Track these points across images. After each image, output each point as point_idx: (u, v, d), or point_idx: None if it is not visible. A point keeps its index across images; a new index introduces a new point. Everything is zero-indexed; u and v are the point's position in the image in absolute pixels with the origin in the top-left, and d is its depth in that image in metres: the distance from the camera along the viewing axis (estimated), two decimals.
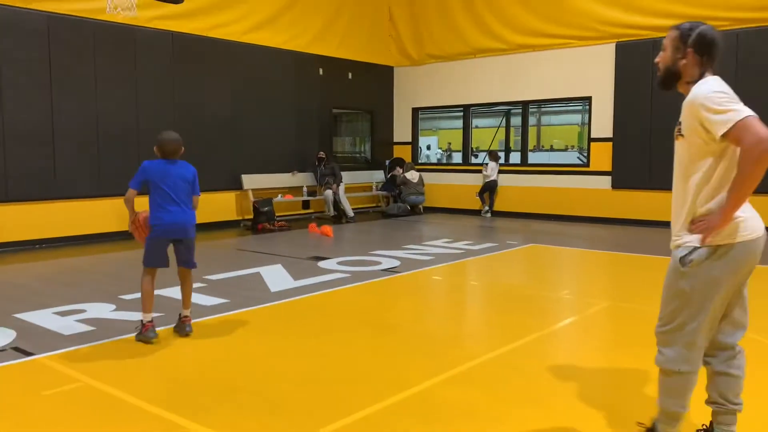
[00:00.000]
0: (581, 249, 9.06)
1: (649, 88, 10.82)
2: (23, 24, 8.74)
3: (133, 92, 9.98)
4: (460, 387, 3.68)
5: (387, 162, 14.60)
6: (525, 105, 13.28)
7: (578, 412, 3.29)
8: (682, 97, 2.60)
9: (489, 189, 13.13)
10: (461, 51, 13.64)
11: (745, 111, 2.35)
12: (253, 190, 11.67)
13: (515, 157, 14.56)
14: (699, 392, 2.75)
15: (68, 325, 4.97)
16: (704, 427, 2.84)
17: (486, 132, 18.85)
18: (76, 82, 9.29)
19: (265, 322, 5.21)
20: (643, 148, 11.23)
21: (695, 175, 2.53)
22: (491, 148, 14.73)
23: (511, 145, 17.77)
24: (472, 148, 14.87)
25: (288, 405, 3.43)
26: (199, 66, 10.84)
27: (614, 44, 11.58)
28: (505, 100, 13.49)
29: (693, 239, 2.53)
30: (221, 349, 4.46)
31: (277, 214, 11.55)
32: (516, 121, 15.13)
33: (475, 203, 13.42)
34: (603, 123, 11.90)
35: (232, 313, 5.38)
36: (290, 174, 12.48)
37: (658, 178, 10.75)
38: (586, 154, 12.58)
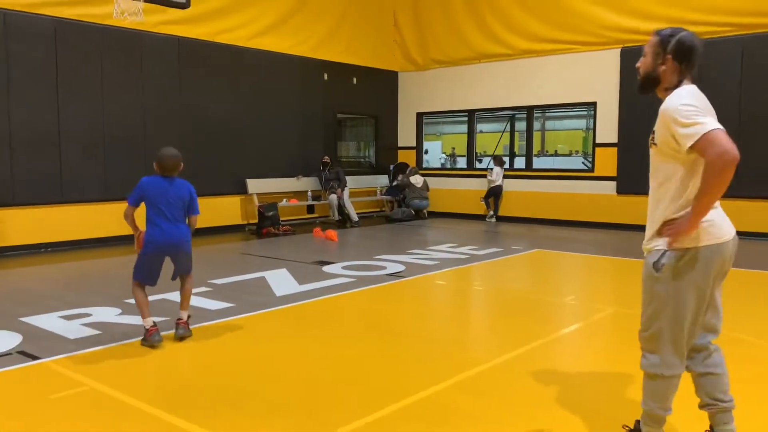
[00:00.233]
0: (586, 254, 9.05)
1: (654, 94, 10.76)
2: (31, 29, 8.80)
3: (140, 97, 10.03)
4: (467, 393, 3.68)
5: (391, 167, 14.61)
6: (530, 110, 13.28)
7: (584, 419, 3.28)
8: None
9: (494, 194, 13.13)
10: (466, 56, 13.65)
11: (712, 124, 2.40)
12: (258, 194, 11.70)
13: (520, 162, 14.56)
14: (695, 399, 2.78)
15: (74, 329, 4.99)
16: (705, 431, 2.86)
17: (491, 137, 18.85)
18: (83, 86, 9.34)
19: (270, 326, 5.22)
20: (648, 154, 11.18)
21: (667, 183, 2.61)
22: (496, 153, 14.73)
23: (516, 150, 17.76)
24: (476, 153, 14.88)
25: (293, 409, 3.43)
26: (205, 71, 10.89)
27: (619, 50, 11.57)
28: (509, 105, 13.49)
29: (661, 243, 2.59)
30: (226, 353, 4.46)
31: (281, 219, 11.57)
32: (521, 126, 15.14)
33: (480, 208, 13.42)
34: (608, 128, 11.88)
35: (237, 317, 5.39)
36: (295, 178, 12.51)
37: None
38: (590, 160, 12.57)
